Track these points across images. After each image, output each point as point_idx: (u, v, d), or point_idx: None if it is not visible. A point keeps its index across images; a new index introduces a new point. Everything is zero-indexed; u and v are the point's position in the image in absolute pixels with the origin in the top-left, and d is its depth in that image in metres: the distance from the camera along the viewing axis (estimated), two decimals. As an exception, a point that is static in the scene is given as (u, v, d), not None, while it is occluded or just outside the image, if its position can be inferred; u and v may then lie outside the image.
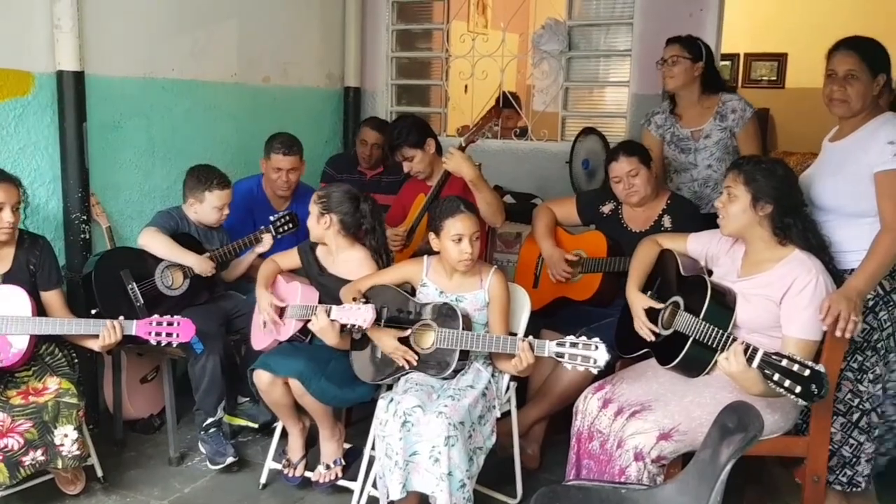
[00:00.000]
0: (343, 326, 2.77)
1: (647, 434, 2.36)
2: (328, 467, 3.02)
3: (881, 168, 2.49)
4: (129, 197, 3.78)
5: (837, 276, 2.50)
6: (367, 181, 4.28)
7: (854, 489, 2.66)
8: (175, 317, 2.89)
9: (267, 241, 3.48)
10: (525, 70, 5.04)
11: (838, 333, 2.37)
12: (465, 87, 5.07)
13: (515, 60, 4.96)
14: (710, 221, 2.87)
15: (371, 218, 3.01)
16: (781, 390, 2.12)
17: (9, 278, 2.91)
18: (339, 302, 2.82)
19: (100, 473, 3.12)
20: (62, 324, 2.88)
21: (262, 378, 2.91)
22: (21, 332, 2.81)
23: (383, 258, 3.04)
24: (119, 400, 3.49)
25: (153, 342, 2.88)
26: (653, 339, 2.63)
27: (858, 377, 2.62)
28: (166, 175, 3.91)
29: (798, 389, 2.09)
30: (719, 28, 4.25)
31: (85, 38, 3.40)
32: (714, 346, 2.38)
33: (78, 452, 2.82)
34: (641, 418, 2.41)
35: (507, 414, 2.91)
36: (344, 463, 3.04)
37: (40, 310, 2.94)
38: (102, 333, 2.85)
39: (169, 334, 2.87)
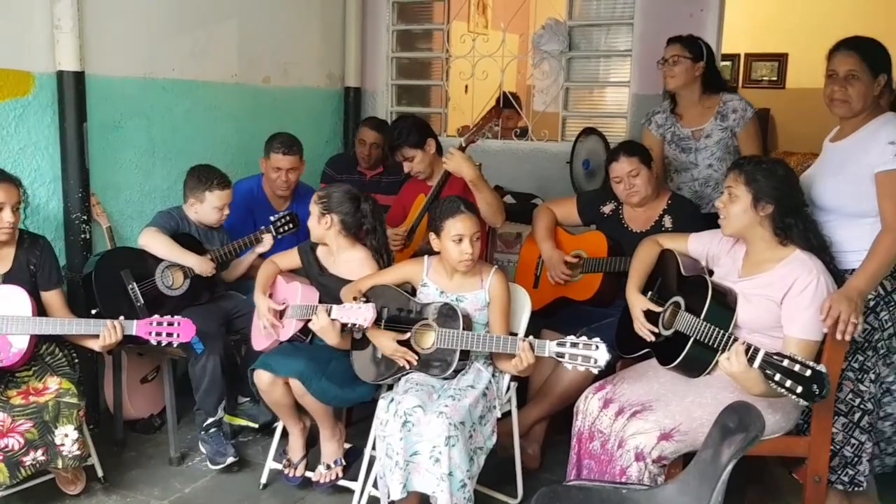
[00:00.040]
0: (344, 326, 2.77)
1: (648, 434, 2.36)
2: (329, 467, 3.02)
3: (882, 168, 2.49)
4: (130, 197, 3.78)
5: (838, 276, 2.50)
6: (366, 181, 4.28)
7: (856, 489, 2.65)
8: (175, 317, 2.89)
9: (267, 241, 3.48)
10: (525, 70, 5.04)
11: (838, 336, 2.37)
12: (466, 87, 5.07)
13: (516, 61, 4.96)
14: (710, 221, 2.87)
15: (372, 218, 3.01)
16: (783, 390, 2.12)
17: (9, 278, 2.91)
18: (339, 302, 2.82)
19: (100, 473, 3.12)
20: (62, 324, 2.88)
21: (262, 378, 2.91)
22: (21, 332, 2.81)
23: (384, 258, 3.04)
24: (119, 400, 3.49)
25: (153, 342, 2.88)
26: (653, 339, 2.64)
27: (859, 377, 2.62)
28: (167, 175, 3.91)
29: (799, 390, 2.09)
30: (720, 28, 4.25)
31: (85, 38, 3.40)
32: (715, 346, 2.38)
33: (78, 452, 2.82)
34: (642, 418, 2.41)
35: (507, 414, 2.90)
36: (344, 463, 3.04)
37: (40, 310, 2.93)
38: (103, 333, 2.85)
39: (169, 334, 2.87)
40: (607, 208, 3.37)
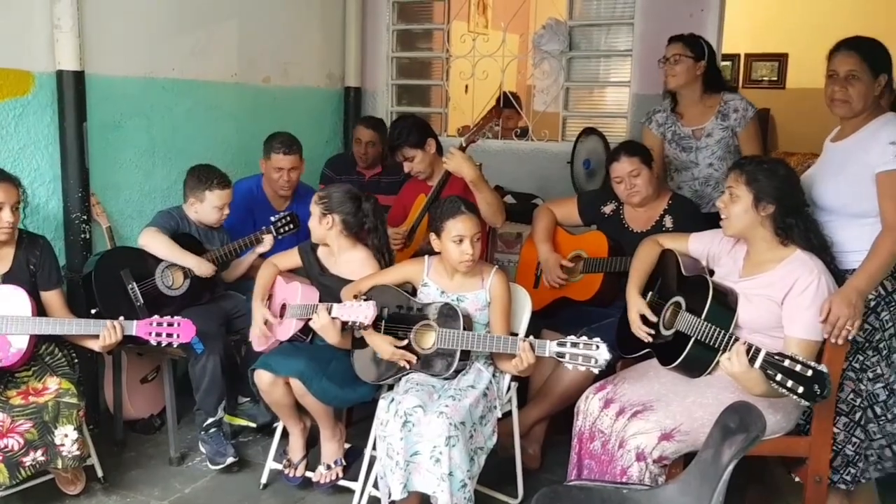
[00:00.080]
0: (344, 324, 2.77)
1: (649, 434, 2.36)
2: (329, 467, 3.02)
3: (882, 168, 2.49)
4: (130, 197, 3.78)
5: (839, 276, 2.50)
6: (366, 182, 4.28)
7: (858, 484, 2.65)
8: (175, 317, 2.89)
9: (268, 241, 3.48)
10: (525, 70, 5.04)
11: (832, 340, 2.39)
12: (466, 87, 5.07)
13: (516, 60, 4.96)
14: (711, 221, 2.87)
15: (373, 217, 3.01)
16: (784, 391, 2.12)
17: (9, 278, 2.90)
18: (340, 302, 2.82)
19: (100, 474, 3.11)
20: (62, 324, 2.88)
21: (263, 378, 2.91)
22: (21, 332, 2.81)
23: (385, 258, 3.04)
24: (119, 400, 3.49)
25: (153, 342, 2.88)
26: (649, 340, 2.64)
27: (859, 377, 2.61)
28: (167, 175, 3.91)
29: (800, 390, 2.08)
30: (720, 28, 4.25)
31: (85, 37, 3.40)
32: (716, 346, 2.37)
33: (78, 453, 2.82)
34: (643, 418, 2.40)
35: (508, 414, 2.90)
36: (345, 463, 3.04)
37: (40, 310, 2.93)
38: (103, 334, 2.84)
39: (169, 335, 2.87)
40: (608, 208, 3.36)
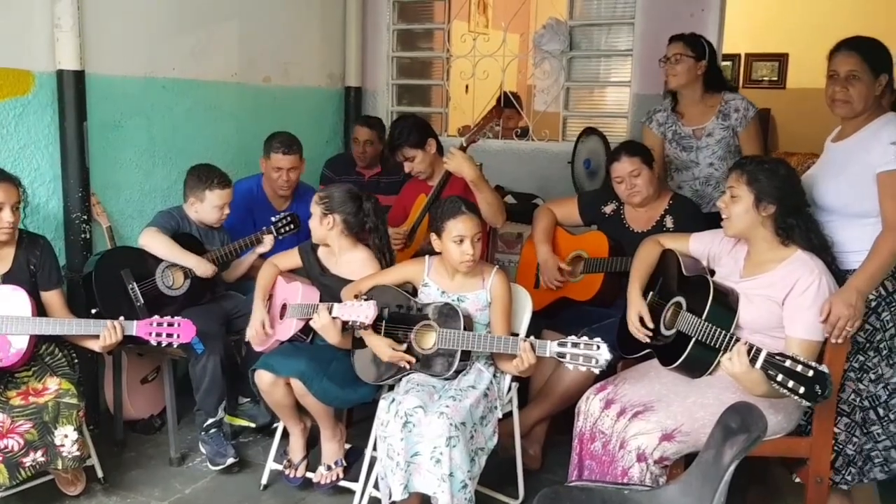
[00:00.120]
0: (345, 324, 2.77)
1: (650, 435, 2.35)
2: (329, 468, 3.02)
3: (883, 168, 2.49)
4: (130, 196, 3.78)
5: (840, 276, 2.50)
6: (365, 182, 4.29)
7: (853, 483, 2.65)
8: (175, 317, 2.89)
9: (268, 242, 3.48)
10: (526, 70, 5.04)
11: (832, 340, 2.40)
12: (466, 87, 5.07)
13: (516, 60, 4.96)
14: (712, 221, 2.87)
15: (374, 217, 3.01)
16: (785, 391, 2.12)
17: (9, 278, 2.90)
18: (340, 302, 2.81)
19: (100, 474, 3.11)
20: (62, 324, 2.87)
21: (263, 378, 2.91)
22: (21, 332, 2.80)
23: (386, 257, 3.03)
24: (119, 400, 3.49)
25: (154, 343, 2.88)
26: (647, 340, 2.64)
27: (859, 377, 2.61)
28: (167, 175, 3.91)
29: (802, 390, 2.08)
30: (720, 28, 4.25)
31: (85, 37, 3.39)
32: (717, 346, 2.37)
33: (78, 453, 2.81)
34: (644, 419, 2.40)
35: (508, 414, 2.90)
36: (345, 464, 3.04)
37: (40, 310, 2.93)
38: (103, 334, 2.84)
39: (169, 335, 2.87)
40: (608, 208, 3.36)
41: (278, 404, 2.97)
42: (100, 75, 3.51)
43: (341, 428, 3.08)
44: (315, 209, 3.00)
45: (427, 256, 2.91)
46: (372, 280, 2.89)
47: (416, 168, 3.51)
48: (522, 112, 5.10)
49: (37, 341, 2.90)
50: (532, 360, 2.54)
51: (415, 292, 2.88)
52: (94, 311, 3.09)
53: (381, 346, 2.76)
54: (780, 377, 2.12)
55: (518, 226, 4.18)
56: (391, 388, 2.84)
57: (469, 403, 2.59)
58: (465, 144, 3.39)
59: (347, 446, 3.09)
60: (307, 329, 2.97)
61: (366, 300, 2.70)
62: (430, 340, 2.72)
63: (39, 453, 2.76)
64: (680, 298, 2.60)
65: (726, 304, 2.47)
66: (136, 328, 2.87)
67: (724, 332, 2.37)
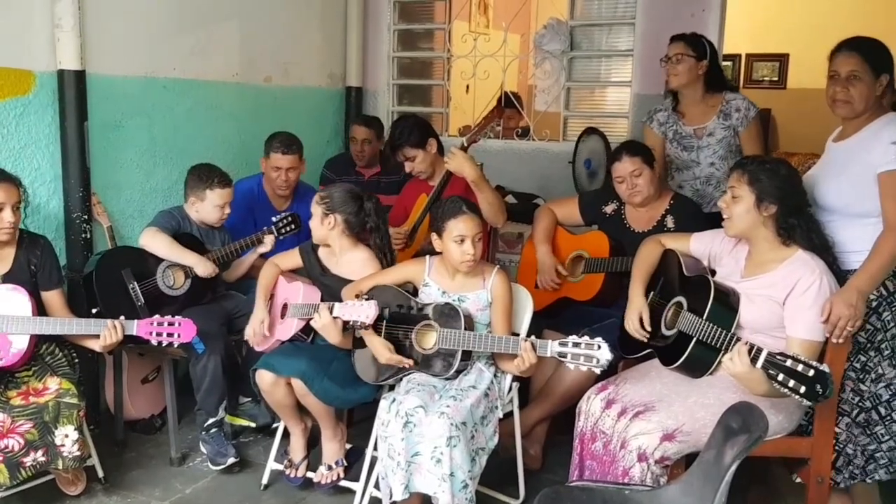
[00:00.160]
0: (346, 324, 2.76)
1: (651, 435, 2.35)
2: (330, 468, 3.02)
3: (885, 168, 2.49)
4: (131, 196, 3.78)
5: (841, 276, 2.50)
6: (365, 182, 4.29)
7: (852, 481, 2.65)
8: (176, 317, 2.89)
9: (269, 242, 3.48)
10: (527, 70, 5.04)
11: (833, 340, 2.40)
12: (467, 87, 5.07)
13: (517, 60, 4.96)
14: (713, 221, 2.87)
15: (375, 216, 3.01)
16: (786, 390, 2.12)
17: (9, 278, 2.90)
18: (341, 302, 2.81)
19: (101, 474, 3.11)
20: (63, 323, 2.87)
21: (264, 378, 2.91)
22: (22, 332, 2.80)
23: (387, 257, 3.03)
24: (120, 400, 3.49)
25: (154, 342, 2.88)
26: (644, 340, 2.64)
27: (861, 377, 2.61)
28: (168, 174, 3.90)
29: (803, 389, 2.08)
30: (721, 28, 4.24)
31: (86, 37, 3.39)
32: (718, 346, 2.37)
33: (79, 453, 2.81)
34: (645, 419, 2.40)
35: (509, 414, 2.90)
36: (346, 463, 3.03)
37: (41, 310, 2.93)
38: (103, 333, 2.84)
39: (170, 334, 2.87)
40: (609, 208, 3.36)
41: (279, 404, 2.97)
42: (100, 75, 3.51)
43: (342, 428, 3.08)
44: (316, 209, 3.00)
45: (428, 256, 2.91)
46: (372, 280, 2.89)
47: (416, 168, 3.51)
48: (523, 112, 5.10)
49: (37, 341, 2.89)
50: (533, 360, 2.54)
51: (415, 292, 2.88)
52: (94, 310, 3.09)
53: (380, 347, 2.76)
54: (780, 377, 2.12)
55: (519, 226, 4.18)
56: (392, 387, 2.84)
57: (470, 403, 2.59)
58: (465, 144, 3.39)
59: (348, 446, 3.09)
60: (308, 329, 2.97)
61: (367, 300, 2.70)
62: (430, 340, 2.72)
63: (40, 453, 2.76)
64: (681, 298, 2.60)
65: (727, 303, 2.47)
66: (136, 328, 2.87)
67: (725, 331, 2.37)
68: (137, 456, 3.40)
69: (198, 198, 3.38)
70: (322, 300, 2.98)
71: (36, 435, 2.74)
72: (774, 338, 2.43)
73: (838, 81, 2.59)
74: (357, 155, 4.37)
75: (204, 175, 3.37)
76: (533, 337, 2.59)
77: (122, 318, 2.88)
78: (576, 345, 2.45)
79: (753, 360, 2.20)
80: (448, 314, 2.69)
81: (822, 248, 2.49)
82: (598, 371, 2.44)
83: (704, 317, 2.42)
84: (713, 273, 2.68)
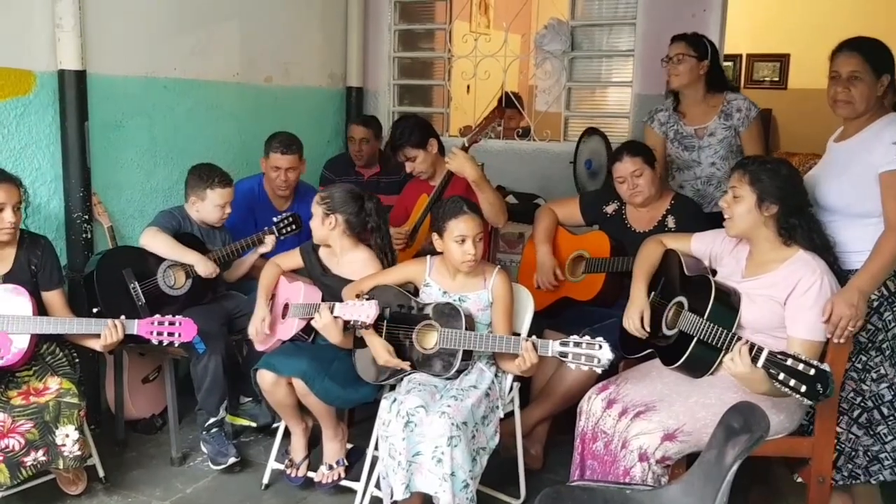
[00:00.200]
0: (346, 324, 2.76)
1: (652, 434, 2.35)
2: (331, 467, 3.02)
3: (886, 168, 2.49)
4: (131, 196, 3.78)
5: (842, 276, 2.50)
6: (364, 182, 4.29)
7: (853, 481, 2.65)
8: (177, 316, 2.89)
9: (270, 242, 3.48)
10: (527, 70, 5.04)
11: (834, 340, 2.40)
12: (468, 87, 5.07)
13: (518, 61, 4.95)
14: (714, 221, 2.87)
15: (376, 216, 3.01)
16: (786, 389, 2.12)
17: (10, 278, 2.90)
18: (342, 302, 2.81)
19: (101, 474, 3.11)
20: (63, 323, 2.87)
21: (265, 378, 2.90)
22: (22, 332, 2.80)
23: (388, 257, 3.03)
24: (121, 400, 3.49)
25: (155, 342, 2.87)
26: (643, 336, 2.64)
27: (861, 376, 2.61)
28: (168, 174, 3.90)
29: (803, 389, 2.08)
30: (722, 28, 4.24)
31: (87, 37, 3.39)
32: (719, 346, 2.37)
33: (79, 453, 2.81)
34: (646, 419, 2.40)
35: (510, 414, 2.89)
36: (347, 463, 3.03)
37: (41, 310, 2.92)
38: (104, 333, 2.84)
39: (171, 334, 2.86)
40: (610, 208, 3.36)
41: (280, 404, 2.97)
42: (101, 75, 3.51)
43: (343, 427, 3.08)
44: (317, 210, 3.00)
45: (428, 256, 2.90)
46: (373, 280, 2.89)
47: (417, 168, 3.51)
48: (524, 112, 5.10)
49: (38, 341, 2.89)
50: (534, 360, 2.54)
51: (416, 292, 2.88)
52: (95, 310, 3.09)
53: (379, 348, 2.76)
54: (781, 376, 2.12)
55: (519, 226, 4.18)
56: (393, 387, 2.84)
57: (471, 403, 2.59)
58: (466, 144, 3.39)
59: (349, 446, 3.09)
60: (309, 329, 2.97)
61: (367, 299, 2.70)
62: (431, 340, 2.72)
63: (40, 453, 2.76)
64: (682, 298, 2.60)
65: (728, 303, 2.47)
66: (137, 327, 2.87)
67: (725, 331, 2.37)
68: (138, 456, 3.40)
69: (198, 197, 3.38)
70: (323, 300, 2.98)
71: (36, 434, 2.74)
72: (775, 338, 2.43)
73: (839, 82, 2.59)
74: (355, 154, 4.38)
75: (204, 175, 3.37)
76: (534, 337, 2.59)
77: (122, 317, 2.88)
78: (577, 344, 2.45)
79: (754, 360, 2.20)
80: (449, 314, 2.69)
81: (823, 248, 2.49)
82: (599, 371, 2.44)
83: (705, 317, 2.42)
84: (714, 273, 2.68)
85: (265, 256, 3.43)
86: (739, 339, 2.32)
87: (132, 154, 3.75)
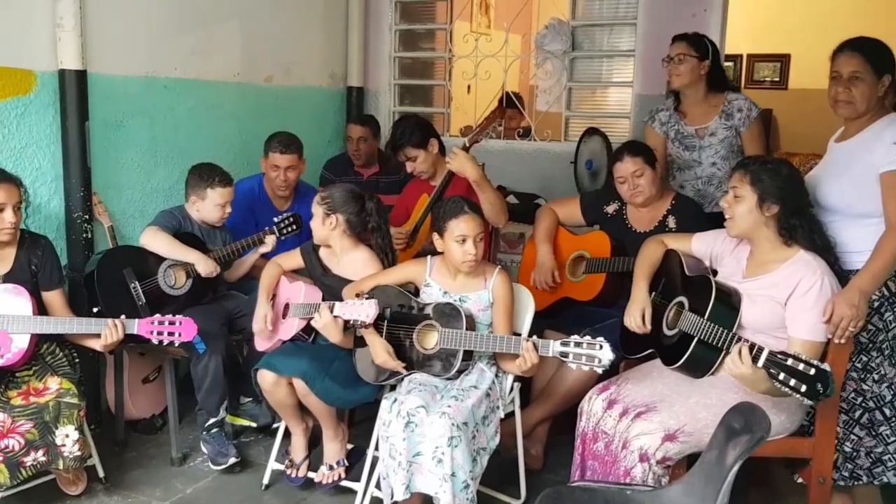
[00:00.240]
0: (346, 323, 2.76)
1: (653, 435, 2.35)
2: (331, 468, 3.01)
3: (887, 168, 2.49)
4: (132, 196, 3.77)
5: (842, 276, 2.50)
6: (364, 182, 4.29)
7: (855, 483, 2.65)
8: (177, 316, 2.88)
9: (270, 242, 3.48)
10: (528, 70, 5.04)
11: (835, 340, 2.40)
12: (469, 87, 5.07)
13: (518, 61, 4.95)
14: (714, 221, 2.87)
15: (377, 216, 3.01)
16: (787, 389, 2.12)
17: (10, 278, 2.89)
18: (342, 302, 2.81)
19: (101, 474, 3.11)
20: (64, 323, 2.87)
21: (266, 378, 2.90)
22: (23, 331, 2.80)
23: (388, 257, 3.03)
24: (121, 400, 3.49)
25: (155, 342, 2.87)
26: (643, 332, 2.64)
27: (862, 377, 2.61)
28: (169, 174, 3.90)
29: (804, 388, 2.08)
30: (723, 28, 4.24)
31: (87, 36, 3.39)
32: (719, 346, 2.37)
33: (79, 453, 2.81)
34: (646, 419, 2.40)
35: (510, 414, 2.89)
36: (347, 463, 3.03)
37: (41, 310, 2.92)
38: (104, 332, 2.84)
39: (171, 334, 2.86)
40: (611, 208, 3.36)
41: (280, 404, 2.97)
42: (102, 75, 3.51)
43: (343, 428, 3.08)
44: (317, 210, 3.00)
45: (429, 256, 2.90)
46: (374, 280, 2.89)
47: (418, 168, 3.51)
48: (525, 112, 5.10)
49: (38, 341, 2.89)
50: (535, 360, 2.54)
51: (417, 292, 2.87)
52: (95, 309, 3.08)
53: (379, 348, 2.76)
54: (781, 376, 2.12)
55: (520, 226, 4.18)
56: (393, 387, 2.84)
57: (471, 403, 2.58)
58: (467, 144, 3.39)
59: (349, 446, 3.09)
60: (309, 329, 2.97)
61: (367, 299, 2.70)
62: (431, 340, 2.72)
63: (40, 453, 2.76)
64: (682, 298, 2.60)
65: (729, 303, 2.47)
66: (137, 327, 2.87)
67: (726, 331, 2.37)
68: (138, 456, 3.40)
69: (199, 197, 3.38)
70: (323, 300, 2.98)
71: (36, 435, 2.74)
72: (776, 338, 2.42)
73: (840, 82, 2.59)
74: (353, 154, 4.37)
75: (205, 174, 3.37)
76: (535, 337, 2.59)
77: (122, 316, 2.88)
78: (577, 345, 2.45)
79: (755, 360, 2.20)
80: (449, 314, 2.69)
81: (824, 248, 2.49)
82: (599, 371, 2.44)
83: (706, 317, 2.42)
84: (715, 273, 2.68)
85: (266, 256, 3.43)
86: (740, 339, 2.32)
87: (133, 154, 3.75)
